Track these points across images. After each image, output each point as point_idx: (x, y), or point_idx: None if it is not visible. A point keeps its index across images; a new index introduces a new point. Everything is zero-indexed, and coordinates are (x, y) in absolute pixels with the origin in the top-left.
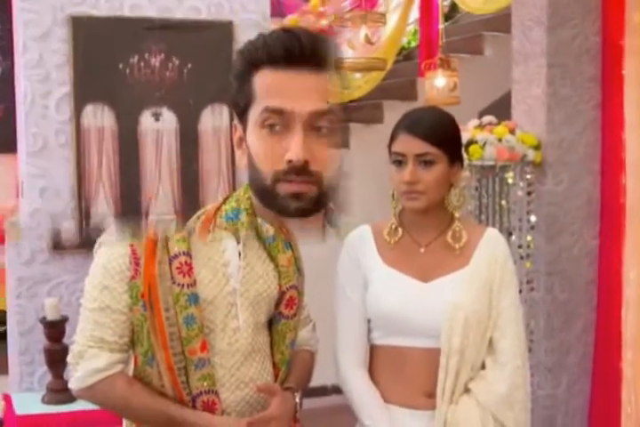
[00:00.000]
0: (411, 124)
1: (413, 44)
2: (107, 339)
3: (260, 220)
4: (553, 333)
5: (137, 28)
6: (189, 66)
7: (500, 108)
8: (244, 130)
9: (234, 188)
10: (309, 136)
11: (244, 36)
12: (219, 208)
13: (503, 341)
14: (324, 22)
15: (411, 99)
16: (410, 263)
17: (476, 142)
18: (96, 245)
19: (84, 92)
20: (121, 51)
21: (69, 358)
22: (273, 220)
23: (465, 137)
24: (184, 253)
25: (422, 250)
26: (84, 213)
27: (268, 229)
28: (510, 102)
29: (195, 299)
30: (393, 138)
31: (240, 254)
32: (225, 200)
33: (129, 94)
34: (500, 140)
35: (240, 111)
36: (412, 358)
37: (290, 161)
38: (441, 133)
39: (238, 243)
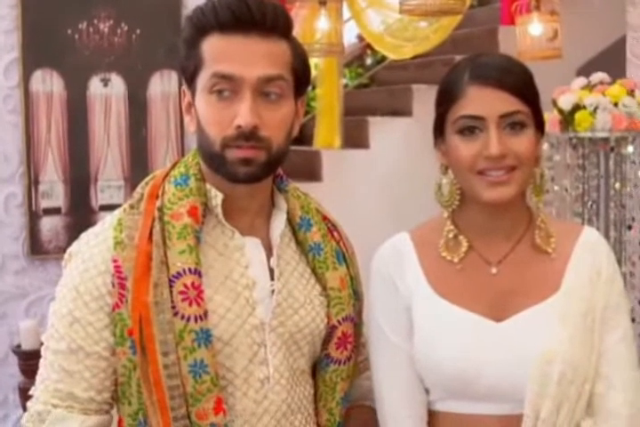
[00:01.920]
0: (486, 73)
1: None
2: (78, 395)
3: (208, 185)
4: None
5: None
6: (138, 31)
7: (605, 64)
8: (193, 95)
9: (182, 153)
10: (258, 102)
11: (193, 1)
12: (167, 174)
13: (611, 395)
14: None
15: (490, 53)
16: (475, 292)
17: (584, 108)
18: (65, 256)
19: (32, 58)
20: (69, 16)
21: (25, 421)
22: (223, 186)
23: (569, 101)
24: (191, 270)
25: (494, 270)
26: (32, 178)
27: (314, 234)
28: (619, 56)
29: (206, 338)
30: (452, 95)
31: (272, 271)
32: (173, 166)
33: (77, 60)
34: (615, 104)
35: (189, 77)
36: None
37: (239, 126)
38: (530, 86)
39: (269, 255)
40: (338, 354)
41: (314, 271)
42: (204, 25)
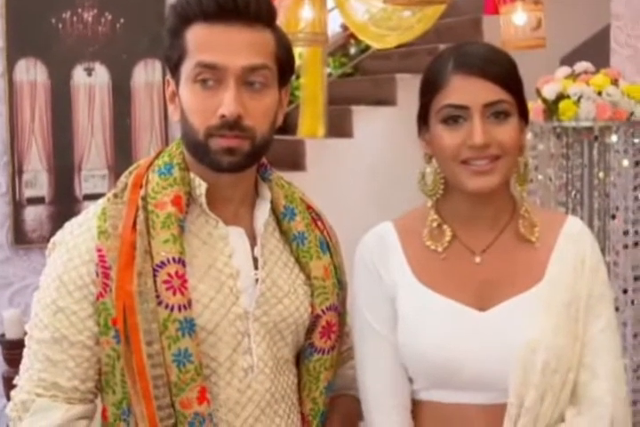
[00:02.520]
0: (470, 62)
1: None
2: (63, 384)
3: (192, 175)
4: None
5: None
6: (122, 21)
7: (589, 54)
8: (177, 85)
9: (166, 143)
10: (242, 91)
11: None
12: (151, 163)
13: (595, 384)
14: None
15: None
16: (459, 281)
17: (567, 97)
18: (49, 245)
19: (16, 47)
20: (54, 5)
21: (9, 410)
22: (207, 175)
23: (553, 90)
24: (175, 259)
25: (478, 259)
26: (16, 167)
27: (298, 223)
28: (603, 45)
29: (190, 327)
30: (436, 84)
31: (256, 260)
32: (157, 155)
33: (61, 49)
34: (599, 93)
35: (173, 66)
36: (467, 419)
37: (223, 116)
38: (514, 75)
39: (253, 244)
40: (322, 343)
41: (298, 261)
42: (187, 14)
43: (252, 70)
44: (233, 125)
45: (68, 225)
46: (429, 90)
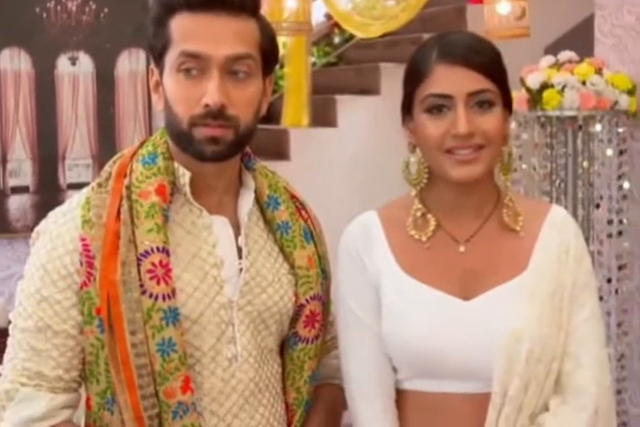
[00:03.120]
0: (454, 51)
1: None
2: (47, 373)
3: (176, 164)
4: None
5: None
6: (106, 10)
7: (573, 43)
8: (161, 74)
9: (150, 132)
10: (226, 80)
11: None
12: (135, 153)
13: (579, 373)
14: None
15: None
16: (443, 271)
17: (552, 86)
18: (33, 235)
19: (0, 37)
20: None
21: None
22: (191, 165)
23: (537, 79)
24: (159, 248)
25: (462, 249)
26: (0, 157)
27: (282, 213)
28: (585, 36)
29: (174, 316)
30: (420, 74)
31: (241, 250)
32: (141, 144)
33: (45, 38)
34: (583, 82)
35: (157, 56)
36: (451, 409)
37: (206, 105)
38: (498, 65)
39: (237, 234)
40: (306, 333)
41: (282, 250)
42: (172, 3)
43: (235, 59)
44: (217, 115)
45: (51, 214)
46: (413, 79)
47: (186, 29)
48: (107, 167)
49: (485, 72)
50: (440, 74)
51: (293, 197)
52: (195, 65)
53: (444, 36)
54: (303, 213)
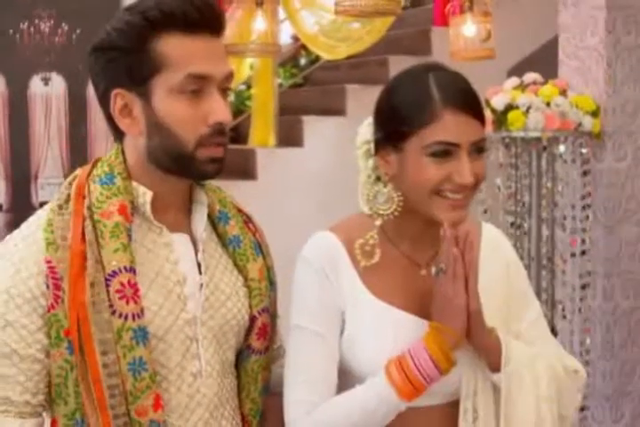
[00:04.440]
0: (457, 97)
1: None
2: (14, 399)
3: (135, 184)
4: (613, 351)
5: None
6: (78, 31)
7: (537, 65)
8: (145, 97)
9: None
10: (222, 97)
11: (131, 2)
12: (90, 173)
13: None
14: None
15: (423, 53)
16: (408, 293)
17: (516, 107)
18: None
19: None
20: (11, 16)
21: None
22: (153, 183)
23: (502, 101)
24: (127, 268)
25: (423, 272)
26: None
27: (232, 227)
28: (549, 57)
29: (143, 335)
30: (423, 117)
31: (200, 266)
32: (94, 165)
33: (19, 59)
34: (547, 104)
35: (137, 79)
36: (421, 420)
37: (219, 123)
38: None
39: (196, 249)
40: (258, 345)
41: (235, 263)
42: (156, 26)
43: (229, 77)
44: (224, 132)
45: (9, 238)
46: (414, 119)
47: (185, 52)
48: (63, 189)
49: (482, 120)
50: (448, 121)
51: (240, 211)
52: (198, 86)
53: (436, 74)
54: (250, 226)
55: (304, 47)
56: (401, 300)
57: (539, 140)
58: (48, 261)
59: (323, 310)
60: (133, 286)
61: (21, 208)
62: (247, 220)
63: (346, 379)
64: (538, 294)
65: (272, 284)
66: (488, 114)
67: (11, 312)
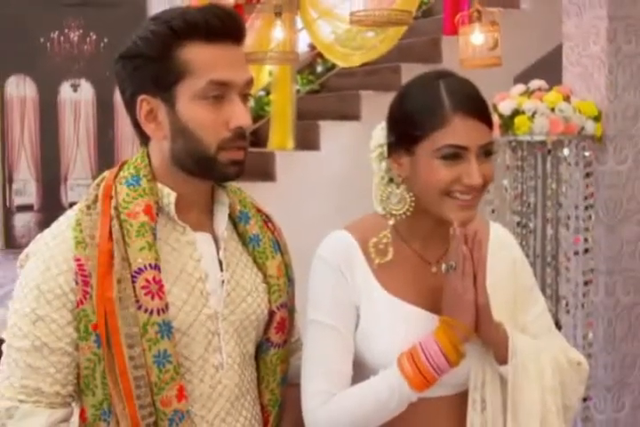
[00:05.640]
0: (467, 102)
1: None
2: (45, 390)
3: (160, 185)
4: (614, 344)
5: (57, 5)
6: (106, 40)
7: (542, 72)
8: (169, 103)
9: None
10: (242, 103)
11: (157, 11)
12: (116, 175)
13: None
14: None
15: (434, 61)
16: (420, 289)
17: (523, 113)
18: (21, 256)
19: (7, 64)
20: (43, 26)
21: None
22: (177, 185)
23: (509, 106)
24: (151, 265)
25: (434, 269)
26: (6, 177)
27: (252, 226)
28: (553, 65)
29: (168, 329)
30: (435, 121)
31: (221, 263)
32: (120, 167)
33: (49, 66)
34: (552, 109)
35: (162, 86)
36: (428, 411)
37: (240, 127)
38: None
39: (218, 248)
40: (277, 338)
41: (255, 261)
42: (185, 34)
43: (248, 84)
44: (245, 135)
45: (40, 237)
46: (425, 124)
47: (208, 59)
48: (92, 190)
49: (490, 124)
50: (458, 125)
51: (259, 210)
52: (220, 92)
53: (446, 81)
54: (270, 225)
55: (320, 55)
56: (413, 296)
57: (544, 143)
58: (77, 259)
59: (338, 305)
60: (158, 282)
61: (52, 208)
62: (266, 219)
63: (360, 371)
64: (543, 290)
65: (290, 280)
66: (495, 119)
67: (41, 307)
